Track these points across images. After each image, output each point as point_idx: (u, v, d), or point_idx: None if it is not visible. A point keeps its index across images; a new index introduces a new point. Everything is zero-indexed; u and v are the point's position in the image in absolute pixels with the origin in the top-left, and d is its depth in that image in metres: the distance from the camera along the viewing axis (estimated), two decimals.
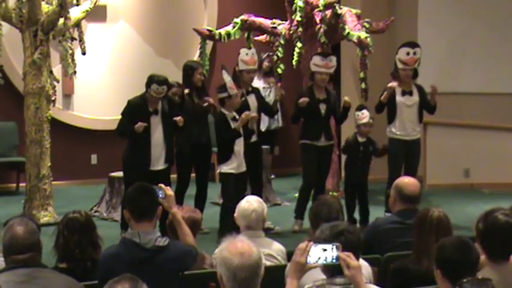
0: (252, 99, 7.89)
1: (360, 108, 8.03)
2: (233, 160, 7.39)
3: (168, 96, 7.47)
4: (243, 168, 7.50)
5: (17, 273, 3.49)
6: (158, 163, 7.33)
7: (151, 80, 7.24)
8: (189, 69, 7.95)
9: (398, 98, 8.05)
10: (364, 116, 7.89)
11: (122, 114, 7.48)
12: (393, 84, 8.01)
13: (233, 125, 7.36)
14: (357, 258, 3.23)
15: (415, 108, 8.09)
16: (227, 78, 7.46)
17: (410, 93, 8.07)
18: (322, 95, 7.91)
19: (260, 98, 8.06)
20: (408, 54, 8.02)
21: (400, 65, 8.03)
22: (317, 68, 7.91)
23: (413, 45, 8.18)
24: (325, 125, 7.94)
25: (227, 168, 7.39)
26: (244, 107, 7.72)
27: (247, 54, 7.88)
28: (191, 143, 7.69)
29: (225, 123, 7.37)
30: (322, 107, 7.87)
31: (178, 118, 7.32)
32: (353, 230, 3.31)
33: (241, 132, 7.38)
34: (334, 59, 8.05)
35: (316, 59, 7.96)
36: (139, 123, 7.18)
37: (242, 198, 7.41)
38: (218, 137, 7.49)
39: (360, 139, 7.95)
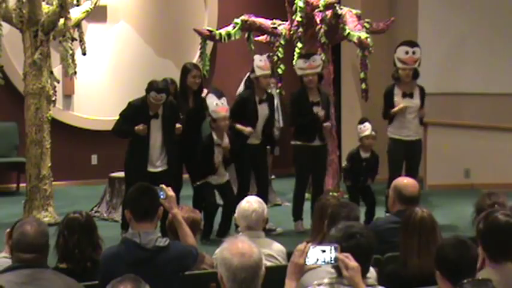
0: (263, 109, 7.84)
1: (362, 121, 7.97)
2: (211, 176, 7.54)
3: (171, 101, 7.44)
4: (225, 179, 7.63)
5: (18, 274, 3.50)
6: (157, 165, 7.32)
7: (151, 87, 7.18)
8: (182, 71, 7.97)
9: (398, 100, 8.02)
10: (366, 128, 7.84)
11: (121, 114, 7.46)
12: (402, 106, 7.96)
13: (216, 151, 7.48)
14: (368, 262, 3.24)
15: (415, 110, 8.05)
16: (212, 103, 7.50)
17: (411, 96, 8.03)
18: (315, 97, 7.90)
19: (272, 107, 8.01)
20: (407, 53, 7.98)
21: (399, 64, 7.99)
22: (302, 71, 7.93)
23: (412, 44, 8.15)
24: (320, 127, 7.92)
25: (204, 180, 7.53)
26: (253, 114, 7.73)
27: (261, 60, 7.85)
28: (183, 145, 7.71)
29: (210, 148, 7.48)
30: (317, 110, 7.86)
31: (177, 126, 7.32)
32: (366, 234, 3.32)
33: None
34: (317, 58, 8.05)
35: (300, 63, 7.98)
36: (141, 125, 7.18)
37: (229, 200, 7.59)
38: (198, 156, 7.57)
39: (363, 154, 7.87)
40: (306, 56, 8.17)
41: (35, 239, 3.57)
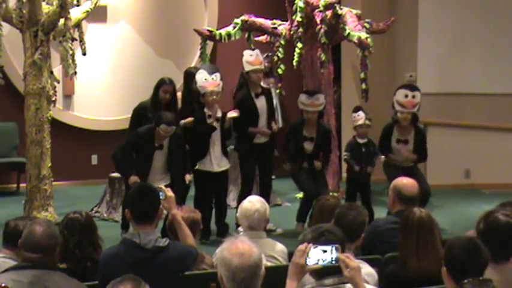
0: (261, 102, 7.82)
1: (356, 109, 7.99)
2: (207, 159, 7.46)
3: (178, 134, 7.25)
4: (223, 167, 7.57)
5: (25, 274, 3.51)
6: (157, 183, 7.17)
7: (161, 121, 7.01)
8: (188, 76, 7.91)
9: (393, 144, 7.82)
10: (360, 117, 7.88)
11: (128, 141, 7.35)
12: (413, 157, 7.75)
13: (208, 121, 7.43)
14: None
15: (408, 158, 7.80)
16: (201, 78, 7.46)
17: (406, 142, 7.80)
18: (311, 132, 7.86)
19: (270, 101, 8.00)
20: (406, 96, 7.75)
21: (397, 107, 7.76)
22: (303, 106, 7.89)
23: (412, 88, 7.95)
24: (309, 160, 7.87)
25: (200, 166, 7.47)
26: (253, 110, 7.72)
27: (251, 55, 7.84)
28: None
29: (202, 119, 7.43)
30: (308, 145, 7.84)
31: (188, 178, 7.26)
32: (334, 230, 3.33)
33: (216, 127, 7.45)
34: (321, 97, 7.99)
35: (303, 97, 7.93)
36: (135, 177, 7.01)
37: (221, 196, 7.58)
38: (194, 133, 7.50)
39: (360, 140, 7.94)
40: (309, 93, 8.11)
41: (42, 239, 3.58)
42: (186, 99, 7.84)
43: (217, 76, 7.51)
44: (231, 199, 8.49)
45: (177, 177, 7.23)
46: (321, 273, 3.21)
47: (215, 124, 7.48)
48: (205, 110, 7.48)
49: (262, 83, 8.20)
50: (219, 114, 7.54)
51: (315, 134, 7.86)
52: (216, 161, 7.53)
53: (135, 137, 7.29)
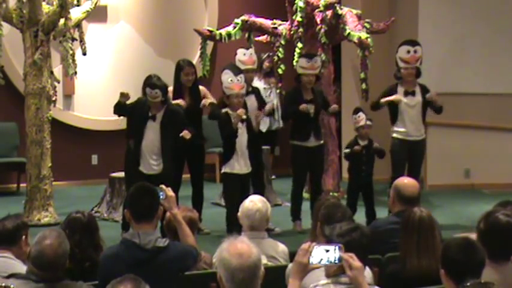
0: (251, 100, 7.85)
1: (356, 111, 8.00)
2: (234, 160, 7.38)
3: (174, 109, 7.25)
4: (247, 170, 7.45)
5: (31, 286, 3.48)
6: (151, 168, 7.10)
7: (145, 83, 7.07)
8: (176, 68, 7.89)
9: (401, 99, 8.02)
10: (361, 118, 7.88)
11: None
12: (398, 97, 7.93)
13: (233, 121, 7.35)
14: (364, 258, 3.26)
15: (418, 109, 8.03)
16: (226, 79, 7.40)
17: (413, 94, 8.01)
18: (309, 95, 7.92)
19: (259, 99, 8.05)
20: (409, 52, 7.98)
21: (401, 64, 7.99)
22: (303, 70, 7.95)
23: (413, 43, 8.14)
24: (314, 125, 7.94)
25: (227, 168, 7.39)
26: (243, 107, 7.71)
27: (244, 54, 7.92)
28: (183, 144, 7.59)
29: (227, 122, 7.31)
30: (310, 107, 7.86)
31: (184, 132, 7.15)
32: (366, 230, 3.41)
33: (237, 131, 7.32)
34: (318, 59, 8.11)
35: (302, 61, 7.99)
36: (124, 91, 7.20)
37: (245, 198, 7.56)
38: (221, 136, 7.52)
39: (361, 142, 7.92)
40: (308, 56, 8.17)
41: (54, 260, 3.52)
42: (176, 91, 7.81)
43: (242, 78, 7.45)
44: None
45: (165, 154, 7.12)
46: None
47: (239, 126, 7.38)
48: (229, 112, 7.36)
49: (263, 83, 8.23)
50: (244, 116, 7.42)
51: (312, 96, 7.93)
52: (241, 164, 7.41)
53: (135, 101, 7.34)
